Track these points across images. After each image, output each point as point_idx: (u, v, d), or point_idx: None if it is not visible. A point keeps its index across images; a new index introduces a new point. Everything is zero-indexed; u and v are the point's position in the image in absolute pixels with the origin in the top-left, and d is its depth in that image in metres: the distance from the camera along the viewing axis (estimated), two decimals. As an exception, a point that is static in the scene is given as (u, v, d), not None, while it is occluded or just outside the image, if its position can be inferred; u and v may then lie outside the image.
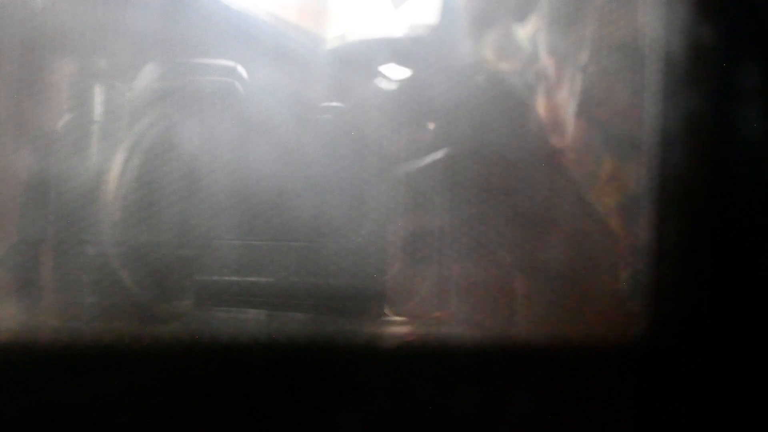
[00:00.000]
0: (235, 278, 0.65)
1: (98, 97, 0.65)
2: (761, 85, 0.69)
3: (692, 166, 0.69)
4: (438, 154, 0.68)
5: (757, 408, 0.69)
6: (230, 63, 0.66)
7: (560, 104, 0.70)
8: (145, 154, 0.64)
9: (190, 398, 0.64)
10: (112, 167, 0.65)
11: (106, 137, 0.65)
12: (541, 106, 0.70)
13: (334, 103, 0.67)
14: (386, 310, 0.68)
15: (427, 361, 0.67)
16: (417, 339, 0.67)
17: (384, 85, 0.68)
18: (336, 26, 0.70)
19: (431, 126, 0.69)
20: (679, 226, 0.69)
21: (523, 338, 0.69)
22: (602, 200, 0.71)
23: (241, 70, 0.66)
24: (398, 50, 0.69)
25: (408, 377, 0.67)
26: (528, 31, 0.71)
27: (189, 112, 0.64)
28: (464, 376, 0.67)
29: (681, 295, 0.69)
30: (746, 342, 0.69)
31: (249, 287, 0.65)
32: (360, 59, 0.68)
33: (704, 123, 0.69)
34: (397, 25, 0.70)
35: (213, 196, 0.65)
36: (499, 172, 0.68)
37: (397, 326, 0.68)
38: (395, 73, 0.69)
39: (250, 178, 0.65)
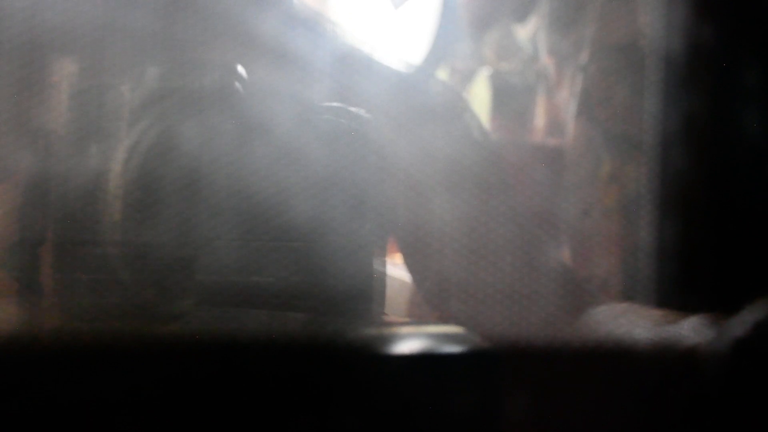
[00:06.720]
0: (235, 278, 0.65)
1: (99, 96, 0.65)
2: (761, 85, 0.69)
3: (692, 166, 0.69)
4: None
5: (758, 407, 0.69)
6: None
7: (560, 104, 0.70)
8: (145, 154, 0.64)
9: (190, 398, 0.64)
10: (112, 167, 0.65)
11: (106, 137, 0.65)
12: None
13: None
14: (386, 310, 0.68)
15: (428, 362, 0.67)
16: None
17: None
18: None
19: None
20: (679, 226, 0.69)
21: (524, 338, 0.69)
22: (602, 200, 0.71)
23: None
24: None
25: (408, 378, 0.67)
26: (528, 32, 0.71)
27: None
28: (465, 376, 0.67)
29: (681, 295, 0.70)
30: (746, 340, 0.69)
31: (249, 287, 0.65)
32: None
33: (704, 123, 0.69)
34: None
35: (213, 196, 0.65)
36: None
37: (397, 326, 0.68)
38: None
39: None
